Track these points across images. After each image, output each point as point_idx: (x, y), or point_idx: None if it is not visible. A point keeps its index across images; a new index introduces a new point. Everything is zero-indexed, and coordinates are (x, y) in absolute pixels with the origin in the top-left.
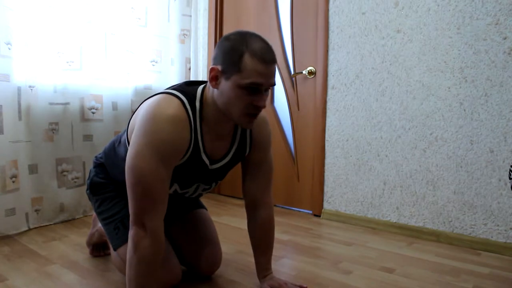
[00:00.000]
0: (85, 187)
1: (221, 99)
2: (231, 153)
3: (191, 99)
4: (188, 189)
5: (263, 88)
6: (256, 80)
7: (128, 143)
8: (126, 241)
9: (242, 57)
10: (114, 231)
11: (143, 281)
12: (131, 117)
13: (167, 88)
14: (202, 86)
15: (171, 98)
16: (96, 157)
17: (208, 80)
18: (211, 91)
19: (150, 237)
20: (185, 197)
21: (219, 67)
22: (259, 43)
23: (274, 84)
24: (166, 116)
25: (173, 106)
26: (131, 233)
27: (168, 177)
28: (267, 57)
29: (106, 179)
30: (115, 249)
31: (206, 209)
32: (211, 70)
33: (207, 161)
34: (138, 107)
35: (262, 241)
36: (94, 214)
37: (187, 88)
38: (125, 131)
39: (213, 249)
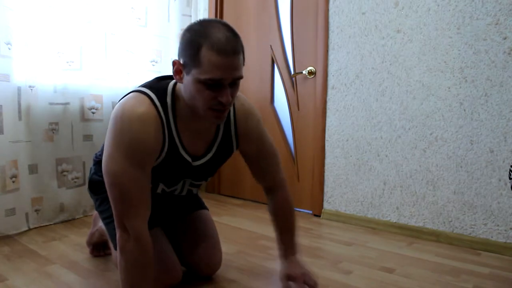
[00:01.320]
0: (85, 187)
1: (185, 94)
2: (214, 148)
3: (161, 95)
4: (175, 187)
5: (226, 82)
6: (215, 76)
7: None
8: None
9: (200, 50)
10: (115, 230)
11: (133, 283)
12: None
13: (138, 86)
14: (174, 81)
15: (138, 95)
16: (96, 154)
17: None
18: (179, 86)
19: (133, 239)
20: (178, 196)
21: (181, 60)
22: (220, 33)
23: (239, 77)
24: (133, 115)
25: (141, 104)
26: (117, 236)
27: (146, 177)
28: (226, 49)
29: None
30: (116, 249)
31: (208, 210)
32: (174, 64)
33: (188, 158)
34: None
35: (282, 221)
36: (94, 213)
37: (158, 83)
38: None
39: (213, 250)
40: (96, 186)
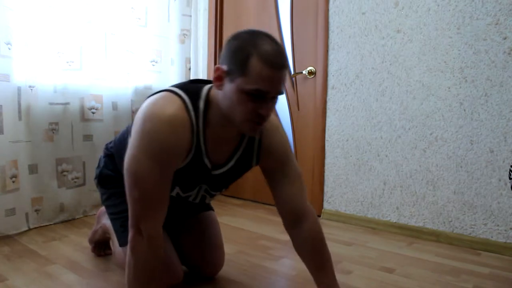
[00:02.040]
0: (85, 187)
1: (224, 102)
2: (234, 159)
3: (194, 98)
4: (191, 193)
5: (269, 96)
6: (261, 87)
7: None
8: None
9: (249, 59)
10: (121, 228)
11: (141, 284)
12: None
13: (170, 86)
14: (209, 85)
15: (170, 96)
16: (107, 146)
17: (212, 80)
18: (216, 93)
19: (147, 241)
20: (189, 202)
21: (224, 67)
22: (270, 45)
23: (282, 93)
24: (163, 116)
25: (172, 105)
26: (129, 235)
27: (168, 181)
28: (276, 62)
29: (115, 172)
30: (121, 245)
31: (214, 210)
32: (216, 70)
33: (209, 165)
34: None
35: (317, 256)
36: (99, 210)
37: (191, 86)
38: (130, 127)
39: (216, 252)
40: (106, 180)
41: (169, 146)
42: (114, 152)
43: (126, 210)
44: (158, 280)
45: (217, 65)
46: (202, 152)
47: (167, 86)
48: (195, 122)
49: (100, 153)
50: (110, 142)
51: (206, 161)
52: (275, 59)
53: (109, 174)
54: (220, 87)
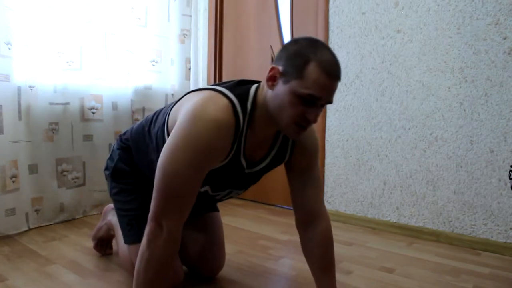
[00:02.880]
0: (85, 187)
1: (274, 102)
2: (269, 157)
3: (243, 100)
4: (220, 192)
5: (320, 102)
6: (315, 93)
7: (167, 133)
8: (137, 241)
9: (308, 64)
10: (128, 226)
11: (150, 278)
12: (174, 104)
13: (217, 84)
14: (255, 85)
15: (220, 98)
16: (121, 138)
17: (265, 79)
18: (264, 92)
19: (166, 237)
20: (210, 198)
21: (280, 68)
22: (329, 54)
23: (332, 102)
24: (210, 119)
25: (221, 107)
26: (147, 228)
27: (200, 183)
28: (333, 72)
29: (130, 167)
30: (126, 243)
31: (219, 211)
32: (271, 69)
33: (244, 165)
34: (183, 96)
35: (324, 259)
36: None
37: (240, 87)
38: (164, 116)
39: (218, 253)
40: (119, 174)
41: (212, 150)
42: (130, 145)
43: (135, 209)
44: (165, 278)
45: (272, 65)
46: (240, 153)
47: (167, 86)
48: (242, 124)
49: (100, 152)
50: (124, 133)
51: (243, 161)
52: (333, 68)
53: (124, 169)
54: (272, 86)
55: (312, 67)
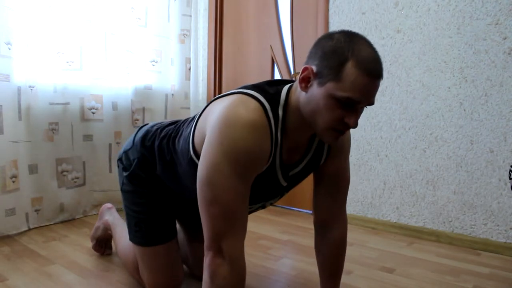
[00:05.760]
0: (85, 187)
1: (308, 105)
2: (303, 163)
3: (274, 105)
4: (254, 206)
5: (360, 105)
6: (354, 96)
7: (193, 142)
8: (144, 244)
9: (345, 64)
10: (135, 227)
11: None
12: (200, 114)
13: (245, 87)
14: (287, 86)
15: (251, 101)
16: (143, 142)
17: (298, 80)
18: (297, 94)
19: (229, 264)
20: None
21: (314, 68)
22: (368, 51)
23: (373, 103)
24: (246, 120)
25: (254, 112)
26: (206, 260)
27: (248, 193)
28: (374, 70)
29: (147, 174)
30: (131, 241)
31: None
32: (304, 70)
33: (280, 174)
34: (208, 105)
35: (333, 263)
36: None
37: (270, 89)
38: (190, 128)
39: None
40: (135, 178)
41: (253, 153)
42: (153, 154)
43: (144, 212)
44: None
45: (305, 65)
46: (276, 164)
47: (167, 86)
48: (274, 131)
49: (100, 152)
50: (145, 136)
51: (280, 175)
52: (373, 66)
53: (140, 175)
54: (305, 89)
55: (349, 67)
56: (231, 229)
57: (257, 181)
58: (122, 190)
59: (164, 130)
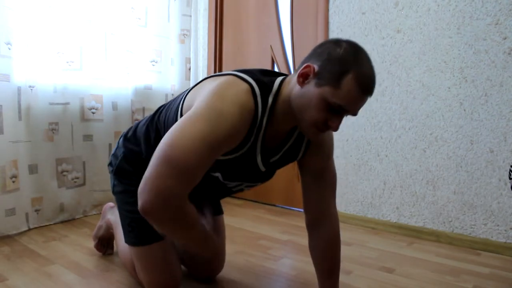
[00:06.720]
0: (85, 187)
1: (300, 99)
2: (281, 152)
3: (266, 92)
4: (231, 183)
5: (346, 113)
6: (345, 105)
7: (181, 113)
8: (138, 243)
9: (346, 75)
10: (128, 227)
11: (187, 231)
12: (189, 90)
13: (238, 70)
14: (281, 78)
15: (243, 84)
16: (125, 136)
17: (297, 74)
18: (291, 87)
19: (167, 202)
20: (227, 187)
21: (316, 68)
22: (368, 68)
23: (356, 115)
24: (235, 100)
25: (242, 91)
26: (141, 201)
27: (208, 165)
28: (369, 88)
29: (134, 167)
30: (126, 243)
31: (223, 213)
32: (306, 66)
33: (259, 159)
34: (200, 82)
35: (328, 261)
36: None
37: (264, 77)
38: (178, 101)
39: (217, 258)
40: (123, 173)
41: (232, 131)
42: (137, 140)
43: (136, 211)
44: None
45: (308, 63)
46: (257, 147)
47: (167, 86)
48: (260, 117)
49: (100, 152)
50: (128, 131)
51: (259, 159)
52: (369, 84)
53: (127, 169)
54: (302, 84)
55: (349, 79)
56: (176, 182)
57: (236, 159)
58: (113, 192)
59: (144, 119)
